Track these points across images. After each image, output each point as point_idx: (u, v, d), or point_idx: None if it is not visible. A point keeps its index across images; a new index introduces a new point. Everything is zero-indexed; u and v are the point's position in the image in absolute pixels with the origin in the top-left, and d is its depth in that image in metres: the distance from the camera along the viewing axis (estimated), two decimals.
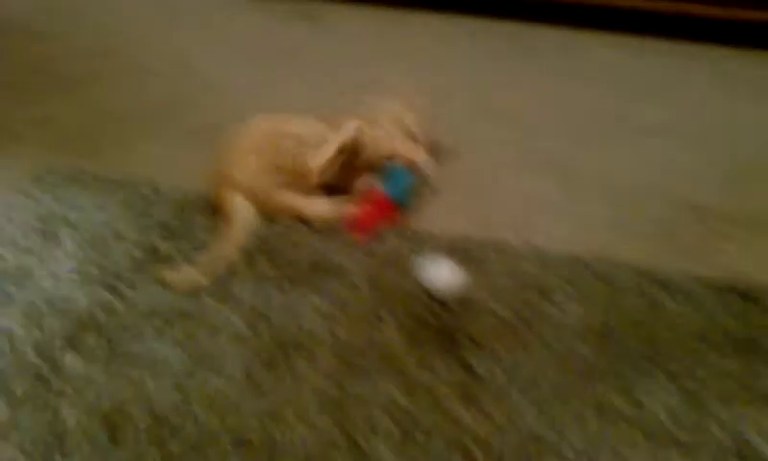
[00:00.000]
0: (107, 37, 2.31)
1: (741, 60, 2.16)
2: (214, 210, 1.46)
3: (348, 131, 1.50)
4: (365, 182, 1.55)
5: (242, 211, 1.44)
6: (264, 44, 2.25)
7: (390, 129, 1.59)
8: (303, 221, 1.46)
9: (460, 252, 1.39)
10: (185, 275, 1.32)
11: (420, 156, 1.56)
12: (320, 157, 1.50)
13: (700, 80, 2.06)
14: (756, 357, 1.17)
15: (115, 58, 2.18)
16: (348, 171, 1.53)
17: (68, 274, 1.34)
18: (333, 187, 1.54)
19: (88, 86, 2.01)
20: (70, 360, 1.17)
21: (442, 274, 1.29)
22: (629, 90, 1.99)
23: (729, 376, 1.14)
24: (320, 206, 1.48)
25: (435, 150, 1.66)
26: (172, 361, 1.17)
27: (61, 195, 1.54)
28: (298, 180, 1.50)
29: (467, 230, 1.46)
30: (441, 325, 1.24)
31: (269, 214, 1.47)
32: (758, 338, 1.21)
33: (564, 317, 1.26)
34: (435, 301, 1.28)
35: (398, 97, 1.64)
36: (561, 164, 1.67)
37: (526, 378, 1.15)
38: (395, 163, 1.53)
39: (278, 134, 1.52)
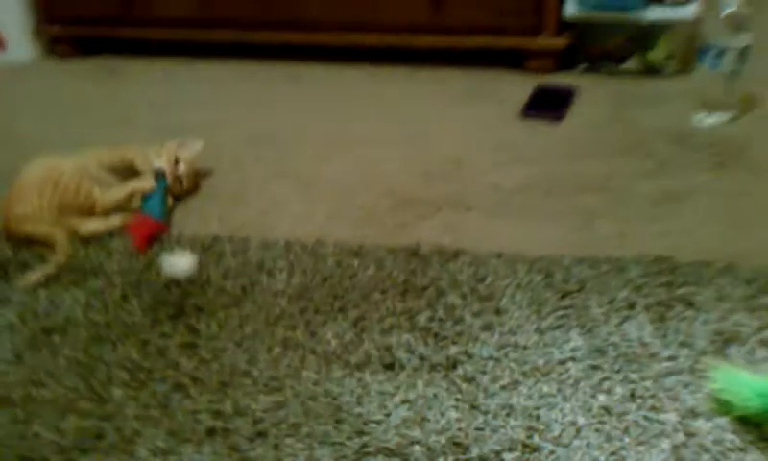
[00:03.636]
0: None
1: (459, 76, 2.63)
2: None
3: (142, 183, 1.90)
4: (135, 202, 1.89)
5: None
6: (64, 101, 2.57)
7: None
8: (84, 239, 1.79)
9: (203, 247, 1.74)
10: None
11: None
12: (111, 196, 1.88)
13: (422, 95, 2.51)
14: (413, 296, 1.56)
15: None
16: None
17: None
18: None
19: None
20: None
21: (178, 263, 1.64)
22: (365, 111, 2.42)
23: (391, 314, 1.52)
24: (92, 224, 1.81)
25: (201, 174, 2.03)
26: None
27: None
28: (83, 210, 1.82)
29: (216, 232, 1.82)
30: (175, 300, 1.58)
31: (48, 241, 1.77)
32: (415, 283, 1.60)
33: (275, 284, 1.62)
34: (172, 284, 1.62)
35: (177, 137, 2.00)
36: (302, 176, 2.05)
37: (234, 327, 1.51)
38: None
39: (59, 174, 1.84)
